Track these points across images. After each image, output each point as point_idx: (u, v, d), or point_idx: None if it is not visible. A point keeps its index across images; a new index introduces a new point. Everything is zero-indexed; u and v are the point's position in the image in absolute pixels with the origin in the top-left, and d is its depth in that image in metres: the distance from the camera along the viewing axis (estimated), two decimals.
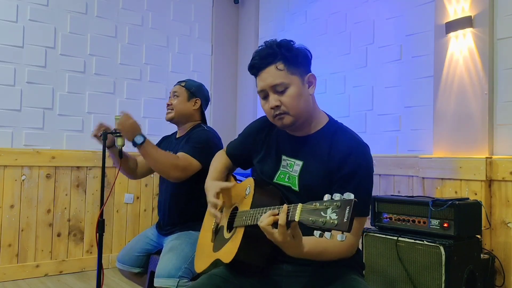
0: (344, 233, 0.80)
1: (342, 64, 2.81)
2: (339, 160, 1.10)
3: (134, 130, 1.57)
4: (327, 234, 0.82)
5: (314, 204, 0.86)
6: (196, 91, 1.86)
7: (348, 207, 0.80)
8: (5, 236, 2.64)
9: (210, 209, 1.23)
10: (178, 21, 3.37)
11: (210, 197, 1.24)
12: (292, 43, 1.15)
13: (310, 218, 0.84)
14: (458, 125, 2.12)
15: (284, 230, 0.91)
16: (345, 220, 0.79)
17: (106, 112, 3.01)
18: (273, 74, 1.11)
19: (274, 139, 1.23)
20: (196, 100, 1.85)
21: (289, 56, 1.12)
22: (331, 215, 0.81)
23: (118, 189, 3.03)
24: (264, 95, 1.14)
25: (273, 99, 1.11)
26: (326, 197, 0.86)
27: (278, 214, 0.93)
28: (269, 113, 1.15)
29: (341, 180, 1.09)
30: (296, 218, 0.88)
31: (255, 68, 1.14)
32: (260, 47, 1.15)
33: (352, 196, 0.82)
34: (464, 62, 2.10)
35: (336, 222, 0.80)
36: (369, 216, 1.25)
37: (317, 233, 0.84)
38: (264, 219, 0.94)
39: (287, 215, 0.91)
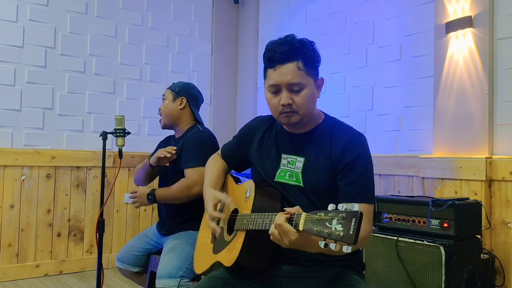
0: (349, 244, 0.80)
1: (342, 64, 2.80)
2: (340, 151, 1.11)
3: (143, 196, 1.73)
4: (332, 245, 0.82)
5: (318, 214, 0.85)
6: (180, 91, 1.83)
7: (354, 219, 0.80)
8: (5, 236, 2.63)
9: (209, 222, 1.19)
10: (178, 21, 3.37)
11: (210, 209, 1.20)
12: (313, 45, 1.12)
13: (315, 229, 0.84)
14: (458, 125, 2.12)
15: (290, 238, 0.91)
16: (351, 233, 0.79)
17: (106, 112, 3.01)
18: (293, 72, 1.08)
19: (273, 138, 1.23)
20: (182, 99, 1.82)
21: (310, 57, 1.10)
22: (336, 226, 0.81)
23: (118, 189, 3.02)
24: (276, 90, 1.11)
25: (286, 97, 1.09)
26: (331, 206, 0.85)
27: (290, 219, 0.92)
28: (276, 109, 1.12)
29: (344, 170, 1.10)
30: (300, 228, 0.88)
31: (274, 61, 1.10)
32: (279, 40, 1.11)
33: (357, 207, 0.82)
34: (464, 62, 2.10)
35: (342, 234, 0.80)
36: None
37: (321, 243, 0.83)
38: (274, 229, 0.94)
39: (291, 223, 0.91)
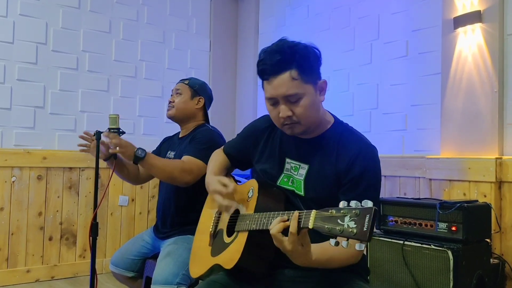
0: (363, 242, 0.79)
1: (345, 61, 2.79)
2: (347, 163, 1.08)
3: (131, 145, 1.56)
4: (344, 243, 0.81)
5: (330, 211, 0.84)
6: (199, 89, 1.85)
7: (368, 215, 0.78)
8: None
9: (216, 197, 1.16)
10: (175, 15, 3.34)
11: (217, 185, 1.16)
12: (307, 48, 1.07)
13: (326, 226, 0.83)
14: (466, 124, 2.11)
15: (295, 238, 0.89)
16: (364, 229, 0.78)
17: (100, 111, 2.98)
18: (287, 83, 1.04)
19: (277, 140, 1.20)
20: (200, 98, 1.84)
21: (305, 63, 1.05)
22: (349, 223, 0.80)
23: (112, 191, 3.00)
24: (274, 102, 1.08)
25: (285, 109, 1.06)
26: (342, 204, 0.84)
27: (288, 220, 0.91)
28: (278, 121, 1.10)
29: (349, 183, 1.07)
30: (310, 225, 0.86)
31: (266, 74, 1.07)
32: (270, 49, 1.07)
33: (371, 204, 0.80)
34: (473, 59, 2.09)
35: (355, 231, 0.79)
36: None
37: (332, 241, 0.82)
38: (275, 226, 0.92)
39: (299, 222, 0.89)
